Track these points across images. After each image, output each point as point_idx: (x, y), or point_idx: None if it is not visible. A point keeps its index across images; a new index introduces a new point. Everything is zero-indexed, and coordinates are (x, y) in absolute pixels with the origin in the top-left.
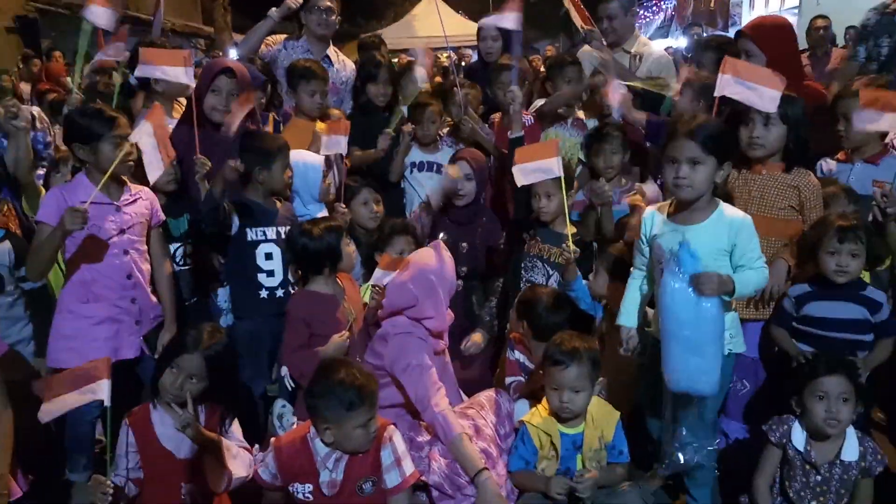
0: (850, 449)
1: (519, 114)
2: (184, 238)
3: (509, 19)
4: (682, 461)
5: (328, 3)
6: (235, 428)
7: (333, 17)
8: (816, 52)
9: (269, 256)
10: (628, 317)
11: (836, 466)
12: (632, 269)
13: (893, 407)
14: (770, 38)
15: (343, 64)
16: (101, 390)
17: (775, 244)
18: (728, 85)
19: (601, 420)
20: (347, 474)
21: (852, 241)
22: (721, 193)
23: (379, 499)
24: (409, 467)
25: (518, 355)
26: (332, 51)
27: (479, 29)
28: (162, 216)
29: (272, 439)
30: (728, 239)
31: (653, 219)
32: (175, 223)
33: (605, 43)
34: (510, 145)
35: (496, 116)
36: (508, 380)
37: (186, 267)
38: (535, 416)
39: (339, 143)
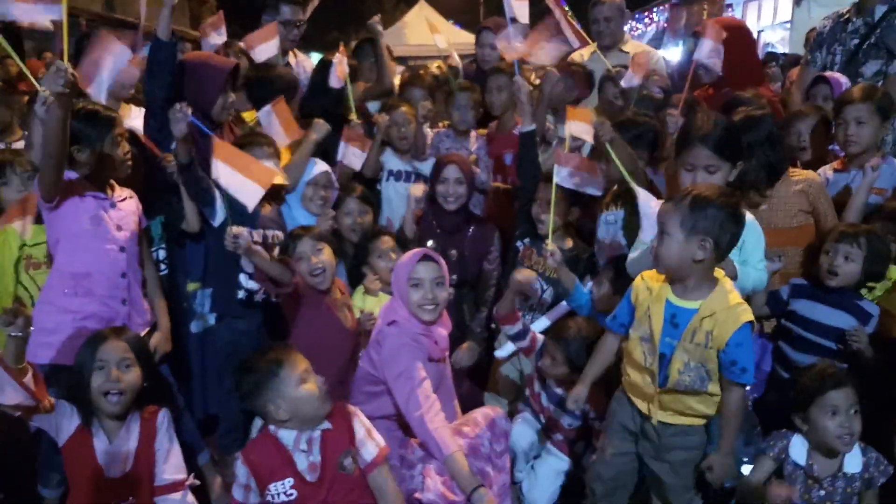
0: (853, 461)
1: (527, 105)
2: (159, 241)
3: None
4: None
5: (292, 17)
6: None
7: (296, 31)
8: None
9: None
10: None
11: (839, 479)
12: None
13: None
14: (726, 39)
15: (302, 68)
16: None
17: (793, 255)
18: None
19: (723, 316)
20: (325, 454)
21: (849, 244)
22: None
23: (361, 479)
24: (379, 439)
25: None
26: (290, 55)
27: (478, 36)
28: (145, 221)
29: (238, 452)
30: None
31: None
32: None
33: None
34: (521, 140)
35: (493, 124)
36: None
37: (164, 272)
38: (650, 275)
39: (358, 156)
